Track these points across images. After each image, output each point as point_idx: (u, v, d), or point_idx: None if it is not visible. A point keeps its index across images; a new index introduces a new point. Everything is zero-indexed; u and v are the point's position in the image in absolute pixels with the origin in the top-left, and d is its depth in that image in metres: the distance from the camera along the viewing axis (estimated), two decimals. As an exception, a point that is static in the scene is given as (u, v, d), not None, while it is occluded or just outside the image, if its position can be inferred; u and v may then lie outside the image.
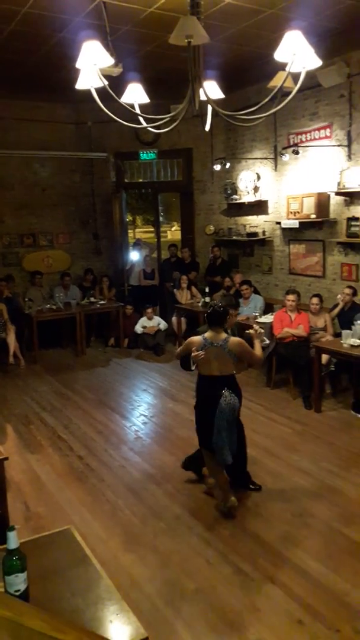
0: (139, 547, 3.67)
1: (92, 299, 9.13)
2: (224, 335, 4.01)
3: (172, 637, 2.86)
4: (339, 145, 7.24)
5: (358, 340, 5.78)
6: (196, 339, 4.06)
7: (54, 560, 2.21)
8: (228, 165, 8.91)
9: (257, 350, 4.15)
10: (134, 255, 10.26)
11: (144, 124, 3.36)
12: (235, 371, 4.04)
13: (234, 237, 9.39)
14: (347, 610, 3.00)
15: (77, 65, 2.74)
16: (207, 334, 4.02)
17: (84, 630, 1.74)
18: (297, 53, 2.71)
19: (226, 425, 3.85)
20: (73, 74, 2.93)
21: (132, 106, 3.27)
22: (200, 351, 3.92)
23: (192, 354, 3.94)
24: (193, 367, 4.20)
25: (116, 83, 3.50)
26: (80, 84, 2.92)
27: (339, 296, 6.94)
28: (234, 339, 3.99)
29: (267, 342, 4.38)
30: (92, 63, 2.69)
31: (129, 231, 14.10)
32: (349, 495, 4.25)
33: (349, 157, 7.12)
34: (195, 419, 4.11)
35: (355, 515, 3.96)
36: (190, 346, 4.03)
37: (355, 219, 6.99)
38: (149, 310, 8.86)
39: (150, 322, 8.84)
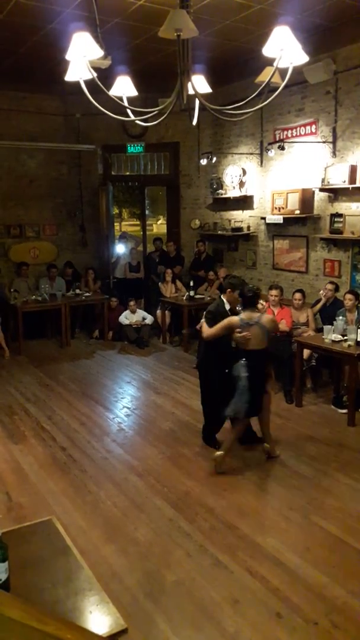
0: (119, 539, 3.69)
1: (78, 291, 9.09)
2: (257, 314, 4.60)
3: (151, 629, 2.89)
4: (324, 142, 7.28)
5: (339, 336, 5.86)
6: (235, 319, 4.60)
7: (35, 551, 2.22)
8: (214, 159, 8.91)
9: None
10: (120, 248, 10.23)
11: (132, 117, 3.35)
12: (262, 346, 4.57)
13: (219, 232, 9.41)
14: (324, 603, 3.06)
15: (67, 56, 2.71)
16: (243, 315, 4.60)
17: (64, 621, 1.75)
18: (284, 49, 2.72)
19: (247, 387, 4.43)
20: (62, 65, 2.91)
21: (121, 99, 3.25)
22: (246, 332, 4.47)
23: (239, 335, 4.49)
24: (234, 345, 4.67)
25: (105, 75, 3.48)
26: (70, 76, 2.90)
27: (321, 292, 7.01)
28: (267, 317, 4.70)
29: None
30: (82, 55, 2.67)
31: (115, 224, 14.05)
32: (327, 489, 4.31)
33: (334, 153, 7.17)
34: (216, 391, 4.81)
35: (334, 509, 4.02)
36: (233, 327, 4.55)
37: (338, 215, 7.04)
38: (132, 303, 8.86)
39: (133, 316, 8.83)
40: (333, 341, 5.82)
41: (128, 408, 6.16)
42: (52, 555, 2.19)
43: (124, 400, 6.41)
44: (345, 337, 5.79)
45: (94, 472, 4.63)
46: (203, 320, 5.02)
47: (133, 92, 3.40)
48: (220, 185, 9.35)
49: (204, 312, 5.05)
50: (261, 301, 4.84)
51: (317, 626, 2.89)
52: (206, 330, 4.81)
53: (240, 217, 9.14)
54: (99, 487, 4.39)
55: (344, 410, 5.80)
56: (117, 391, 6.73)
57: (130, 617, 2.88)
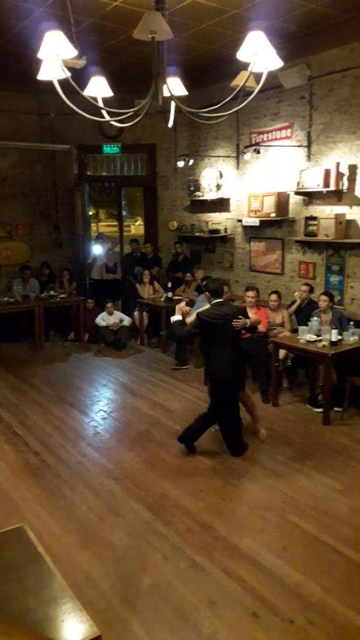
0: (95, 544, 3.66)
1: (52, 293, 9.00)
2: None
3: (126, 634, 2.87)
4: (299, 146, 7.37)
5: (314, 336, 5.93)
6: None
7: (5, 559, 2.18)
8: (191, 162, 8.93)
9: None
10: (97, 249, 10.16)
11: (107, 118, 3.33)
12: None
13: (197, 234, 9.43)
14: (300, 601, 3.08)
15: (39, 55, 2.68)
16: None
17: (31, 632, 1.72)
18: (259, 53, 2.74)
19: None
20: (36, 64, 2.87)
21: (96, 99, 3.23)
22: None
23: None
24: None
25: (80, 75, 3.46)
26: (43, 75, 2.87)
27: (296, 293, 7.09)
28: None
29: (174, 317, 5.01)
30: (55, 54, 2.65)
31: (92, 224, 13.94)
32: (303, 488, 4.35)
33: (309, 157, 7.25)
34: None
35: (310, 507, 4.06)
36: None
37: (312, 218, 7.12)
38: (109, 305, 8.81)
39: (110, 317, 8.78)
40: (308, 341, 5.88)
41: (104, 411, 6.12)
42: (23, 563, 2.15)
43: (100, 404, 6.36)
44: (320, 338, 5.86)
45: (69, 477, 4.58)
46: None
47: (108, 92, 3.38)
48: (198, 187, 9.37)
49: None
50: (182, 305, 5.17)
51: (293, 624, 2.91)
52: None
53: (217, 219, 9.18)
54: (74, 492, 4.34)
55: (319, 409, 5.86)
56: (93, 394, 6.68)
57: (105, 624, 2.85)
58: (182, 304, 5.03)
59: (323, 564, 3.41)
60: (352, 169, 6.64)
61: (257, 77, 2.91)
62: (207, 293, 5.05)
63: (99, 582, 3.27)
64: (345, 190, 6.73)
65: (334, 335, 5.71)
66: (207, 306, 4.89)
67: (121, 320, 8.84)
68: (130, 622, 2.94)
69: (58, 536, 3.73)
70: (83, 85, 3.14)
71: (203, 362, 5.16)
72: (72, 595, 1.98)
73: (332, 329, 5.73)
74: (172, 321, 5.01)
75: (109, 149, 9.70)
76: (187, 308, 5.00)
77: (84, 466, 4.79)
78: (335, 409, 5.82)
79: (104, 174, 10.19)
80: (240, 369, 5.04)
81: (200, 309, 4.93)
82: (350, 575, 3.30)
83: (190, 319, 5.10)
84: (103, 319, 8.75)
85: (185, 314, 5.06)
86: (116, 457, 4.96)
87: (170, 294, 8.45)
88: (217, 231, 8.98)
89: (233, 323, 4.69)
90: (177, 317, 4.98)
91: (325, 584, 3.21)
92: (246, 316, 4.85)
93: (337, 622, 2.91)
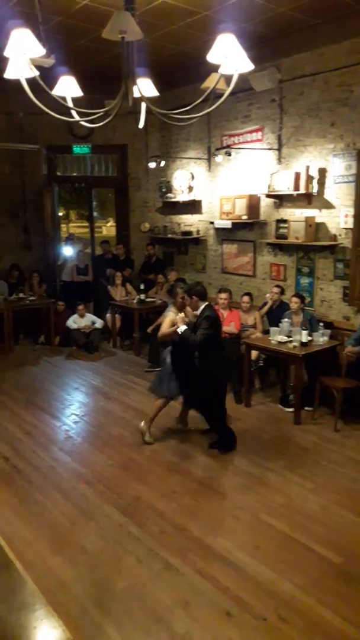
0: (67, 548, 3.61)
1: (22, 295, 8.86)
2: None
3: (100, 639, 2.84)
4: (269, 149, 7.45)
5: (285, 337, 6.00)
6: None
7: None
8: (163, 163, 8.94)
9: (163, 330, 5.13)
10: (67, 251, 10.05)
11: (77, 118, 3.30)
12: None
13: (169, 235, 9.43)
14: (272, 598, 3.11)
15: (5, 53, 2.64)
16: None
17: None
18: (229, 56, 2.75)
19: None
20: (3, 63, 2.83)
21: (64, 99, 3.20)
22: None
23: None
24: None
25: (48, 75, 3.42)
26: (9, 74, 2.82)
27: (267, 295, 7.16)
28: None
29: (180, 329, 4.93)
30: (22, 52, 2.61)
31: (63, 225, 13.80)
32: (275, 487, 4.39)
33: (279, 160, 7.34)
34: None
35: (282, 506, 4.10)
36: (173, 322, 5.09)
37: (283, 221, 7.20)
38: (80, 307, 8.73)
39: (82, 320, 8.71)
40: (279, 342, 5.95)
41: (76, 415, 6.05)
42: (-7, 570, 2.11)
43: (72, 407, 6.29)
44: (291, 339, 5.94)
45: (40, 482, 4.51)
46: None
47: (78, 92, 3.35)
48: (169, 189, 9.38)
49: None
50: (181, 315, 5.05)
51: (266, 622, 2.93)
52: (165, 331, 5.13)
53: (189, 221, 9.21)
54: (46, 497, 4.28)
55: (291, 409, 5.93)
56: (65, 398, 6.60)
57: (79, 628, 2.83)
58: (181, 314, 4.95)
59: (295, 561, 3.45)
60: (322, 172, 6.75)
61: (228, 79, 2.92)
62: (195, 297, 4.97)
63: (72, 586, 3.23)
64: (315, 194, 6.83)
65: (305, 336, 5.78)
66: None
67: (93, 323, 8.77)
68: (104, 626, 2.92)
69: (30, 542, 3.68)
70: (51, 85, 3.10)
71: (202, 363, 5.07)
72: (44, 602, 1.95)
73: (303, 330, 5.81)
74: (180, 332, 4.85)
75: (79, 149, 9.63)
76: (186, 318, 4.95)
77: (55, 471, 4.73)
78: (306, 408, 5.90)
79: (74, 174, 10.10)
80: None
81: (204, 313, 4.94)
82: (320, 572, 3.35)
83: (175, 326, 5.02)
84: (74, 322, 8.67)
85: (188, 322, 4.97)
86: (89, 460, 4.91)
87: (142, 296, 8.43)
88: (189, 233, 9.01)
89: None
90: (184, 327, 4.86)
91: (297, 581, 3.24)
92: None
93: (308, 618, 2.95)
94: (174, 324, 5.03)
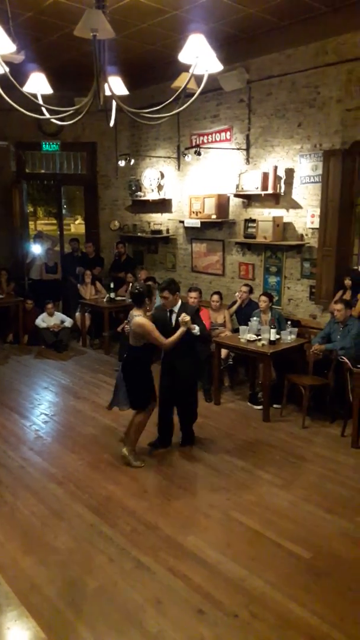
0: (39, 549, 3.58)
1: (-11, 293, 8.72)
2: (135, 313, 4.65)
3: (73, 638, 2.83)
4: (238, 149, 7.51)
5: (254, 336, 6.07)
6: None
7: None
8: (132, 161, 8.90)
9: (174, 337, 4.65)
10: (36, 248, 9.92)
11: (48, 115, 3.27)
12: (134, 344, 4.72)
13: (139, 234, 9.41)
14: (244, 595, 3.15)
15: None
16: (134, 310, 4.72)
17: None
18: (199, 56, 2.77)
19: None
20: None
21: (35, 96, 3.16)
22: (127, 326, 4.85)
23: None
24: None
25: (18, 71, 3.37)
26: (-22, 69, 2.77)
27: (237, 294, 7.23)
28: (136, 320, 4.58)
29: (197, 330, 4.73)
30: (-9, 48, 2.57)
31: (30, 223, 13.59)
32: (245, 484, 4.45)
33: (247, 160, 7.41)
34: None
35: (252, 504, 4.15)
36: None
37: (252, 220, 7.29)
38: (49, 305, 8.62)
39: (51, 319, 8.61)
40: (248, 341, 6.02)
41: (46, 414, 5.99)
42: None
43: (42, 407, 6.22)
44: (260, 337, 6.01)
45: (10, 482, 4.46)
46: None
47: (48, 89, 3.32)
48: (139, 187, 9.36)
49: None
50: (184, 315, 4.70)
51: (237, 618, 2.97)
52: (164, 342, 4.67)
53: (159, 220, 9.21)
54: (16, 497, 4.23)
55: (260, 407, 6.02)
56: (34, 397, 6.52)
57: (51, 629, 2.80)
58: (186, 316, 4.67)
59: (265, 558, 3.50)
60: (289, 172, 6.85)
61: (198, 79, 2.94)
62: (177, 293, 4.86)
63: (44, 587, 3.20)
64: (283, 194, 6.93)
65: (273, 335, 5.87)
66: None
67: (62, 322, 8.68)
68: (76, 626, 2.90)
69: (1, 543, 3.63)
70: (20, 81, 3.06)
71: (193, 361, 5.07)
72: (17, 603, 1.94)
73: (271, 328, 5.89)
74: (199, 333, 4.72)
75: (48, 146, 9.52)
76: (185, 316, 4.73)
77: (25, 470, 4.67)
78: (275, 406, 5.98)
79: (43, 171, 9.97)
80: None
81: (187, 308, 4.96)
82: (290, 568, 3.41)
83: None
84: (43, 320, 8.57)
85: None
86: (59, 460, 4.87)
87: (112, 295, 8.39)
88: (159, 232, 9.01)
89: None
90: (197, 327, 4.73)
91: (268, 578, 3.30)
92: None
93: (279, 614, 3.00)
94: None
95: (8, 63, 2.83)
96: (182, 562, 3.45)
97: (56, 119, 3.34)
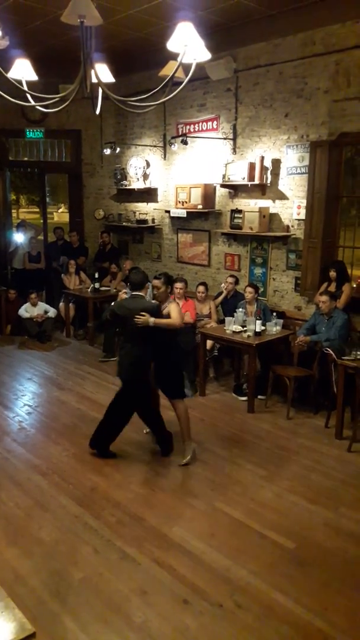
0: (23, 540, 3.57)
1: (-29, 283, 8.60)
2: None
3: (58, 629, 2.84)
4: (225, 138, 7.48)
5: (239, 327, 6.08)
6: None
7: None
8: (118, 150, 8.81)
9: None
10: (19, 237, 9.79)
11: (32, 102, 3.20)
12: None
13: (124, 223, 9.34)
14: (228, 585, 3.18)
15: None
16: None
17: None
18: (188, 44, 2.73)
19: None
20: None
21: (20, 83, 3.09)
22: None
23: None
24: None
25: (1, 57, 3.29)
26: None
27: (222, 285, 7.23)
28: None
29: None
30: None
31: (12, 211, 13.42)
32: (230, 475, 4.48)
33: (234, 150, 7.38)
34: None
35: (236, 494, 4.18)
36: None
37: (238, 211, 7.26)
38: (33, 295, 8.53)
39: (34, 309, 8.53)
40: (234, 332, 6.03)
41: (29, 406, 5.95)
42: None
43: (25, 398, 6.18)
44: (245, 328, 6.03)
45: (-6, 474, 4.43)
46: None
47: (33, 76, 3.25)
48: (124, 176, 9.28)
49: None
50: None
51: (222, 608, 3.00)
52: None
53: (144, 209, 9.14)
54: (0, 488, 4.21)
55: (244, 398, 6.05)
56: (17, 388, 6.47)
57: (36, 620, 2.80)
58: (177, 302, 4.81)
59: (250, 548, 3.53)
60: (276, 163, 6.84)
61: (185, 68, 2.90)
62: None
63: (28, 578, 3.20)
64: (269, 185, 6.92)
65: (258, 326, 5.89)
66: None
67: (46, 312, 8.61)
68: (61, 617, 2.91)
69: (-17, 536, 3.61)
70: (3, 68, 2.99)
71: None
72: (4, 594, 1.93)
73: (257, 319, 5.90)
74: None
75: (32, 133, 9.37)
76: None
77: (9, 462, 4.64)
78: (259, 397, 6.02)
79: (26, 159, 9.83)
80: (140, 369, 4.60)
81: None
82: (274, 558, 3.45)
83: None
84: (26, 310, 8.48)
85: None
86: (43, 452, 4.85)
87: (97, 285, 8.34)
88: (144, 221, 8.95)
89: (135, 319, 4.40)
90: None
91: (252, 568, 3.33)
92: (156, 315, 4.51)
93: (263, 603, 3.03)
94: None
95: (-8, 48, 2.76)
96: (167, 553, 3.46)
97: (41, 106, 3.28)
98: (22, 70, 3.18)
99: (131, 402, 4.68)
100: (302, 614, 2.95)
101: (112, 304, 4.88)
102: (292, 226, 6.76)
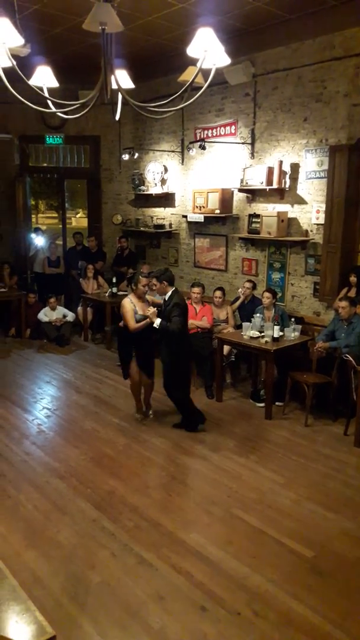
0: (42, 543, 3.59)
1: (-8, 287, 8.71)
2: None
3: (76, 633, 2.84)
4: (243, 143, 7.47)
5: (257, 332, 6.05)
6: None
7: None
8: (136, 155, 8.86)
9: (139, 324, 5.17)
10: (39, 241, 9.91)
11: (53, 109, 3.24)
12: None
13: (142, 228, 9.38)
14: (246, 593, 3.15)
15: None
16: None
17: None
18: (208, 50, 2.74)
19: None
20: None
21: (41, 89, 3.13)
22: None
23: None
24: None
25: (23, 64, 3.33)
26: (-14, 63, 2.75)
27: (240, 290, 7.20)
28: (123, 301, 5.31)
29: (156, 323, 5.12)
30: (1, 42, 2.54)
31: (32, 216, 13.58)
32: (247, 482, 4.44)
33: (252, 155, 7.37)
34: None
35: (254, 501, 4.15)
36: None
37: (256, 215, 7.24)
38: (52, 300, 8.61)
39: (53, 313, 8.60)
40: (251, 337, 5.99)
41: (48, 409, 5.99)
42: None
43: (44, 401, 6.22)
44: (263, 334, 5.99)
45: (13, 476, 4.46)
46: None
47: (54, 83, 3.29)
48: (142, 181, 9.32)
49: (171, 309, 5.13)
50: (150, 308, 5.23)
51: (239, 616, 2.97)
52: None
53: (162, 214, 9.17)
54: (19, 491, 4.24)
55: (262, 404, 6.00)
56: (36, 392, 6.52)
57: (55, 623, 2.78)
58: (153, 309, 5.13)
59: (267, 556, 3.50)
60: (295, 167, 6.81)
61: (204, 73, 2.91)
62: (165, 282, 5.18)
63: (47, 581, 3.21)
64: (288, 189, 6.89)
65: (276, 332, 5.84)
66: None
67: (64, 316, 8.67)
68: (79, 620, 2.91)
69: (4, 536, 3.64)
70: (25, 75, 3.03)
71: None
72: (25, 597, 1.94)
73: (274, 325, 5.86)
74: (158, 326, 5.04)
75: (52, 139, 9.48)
76: (154, 309, 5.17)
77: (28, 465, 4.68)
78: (277, 403, 5.97)
79: (46, 165, 9.94)
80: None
81: (172, 299, 5.16)
82: (292, 566, 3.41)
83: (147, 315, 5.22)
84: (45, 314, 8.56)
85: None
86: (61, 455, 4.87)
87: (115, 289, 8.37)
88: (162, 226, 8.97)
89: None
90: (159, 320, 5.05)
91: (270, 576, 3.30)
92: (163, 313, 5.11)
93: (281, 612, 3.00)
94: (136, 313, 5.25)
95: (14, 56, 2.79)
96: (184, 559, 3.45)
97: (61, 112, 3.32)
98: (44, 77, 3.22)
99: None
100: (320, 624, 2.91)
101: (176, 305, 5.11)
102: (311, 231, 6.72)
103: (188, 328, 5.63)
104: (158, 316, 5.13)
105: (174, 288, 5.26)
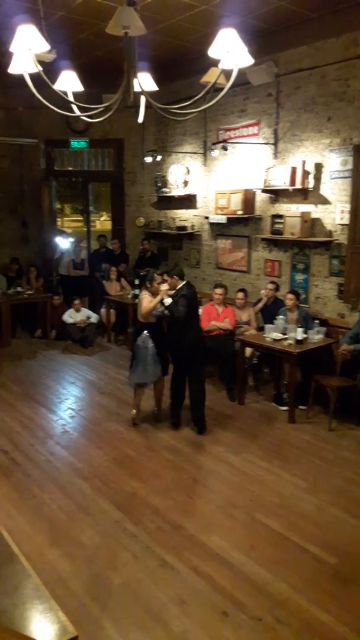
0: (65, 543, 3.62)
1: (19, 289, 8.83)
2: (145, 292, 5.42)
3: (98, 633, 2.86)
4: (265, 143, 7.42)
5: (280, 335, 5.99)
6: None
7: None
8: (159, 157, 8.89)
9: (150, 305, 5.28)
10: (64, 244, 10.03)
11: (78, 113, 3.27)
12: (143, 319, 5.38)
13: (164, 230, 9.40)
14: (268, 599, 3.12)
15: (11, 49, 2.61)
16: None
17: (9, 631, 1.70)
18: (230, 50, 2.73)
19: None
20: (3, 58, 2.79)
21: (66, 94, 3.17)
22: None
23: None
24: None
25: (48, 69, 3.37)
26: (13, 69, 2.79)
27: (262, 291, 7.15)
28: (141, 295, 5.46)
29: (167, 301, 5.26)
30: (27, 48, 2.58)
31: (57, 219, 13.75)
32: (270, 486, 4.41)
33: (275, 155, 7.32)
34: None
35: (276, 506, 4.11)
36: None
37: (279, 216, 7.18)
38: (76, 301, 8.70)
39: (77, 314, 8.68)
40: (274, 339, 5.94)
41: (72, 409, 6.04)
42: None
43: (68, 402, 6.28)
44: (286, 336, 5.93)
45: (38, 476, 4.52)
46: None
47: (79, 87, 3.32)
48: (165, 183, 9.34)
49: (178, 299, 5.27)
50: (164, 286, 5.33)
51: (261, 622, 2.95)
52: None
53: (184, 216, 9.18)
54: (43, 490, 4.29)
55: (285, 407, 5.94)
56: (61, 392, 6.59)
57: (77, 622, 2.79)
58: (165, 286, 5.27)
59: (290, 562, 3.46)
60: (318, 167, 6.74)
61: (227, 74, 2.90)
62: (175, 277, 5.36)
63: (69, 581, 3.24)
64: (311, 189, 6.82)
65: (300, 334, 5.78)
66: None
67: (88, 317, 8.74)
68: (101, 621, 2.93)
69: (29, 535, 3.68)
70: (50, 79, 3.07)
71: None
72: (48, 596, 1.96)
73: (298, 327, 5.80)
74: (167, 304, 5.20)
75: (77, 143, 9.58)
76: (170, 291, 5.31)
77: (53, 465, 4.73)
78: (300, 407, 5.90)
79: (71, 168, 10.05)
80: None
81: (180, 291, 5.31)
82: (315, 572, 3.37)
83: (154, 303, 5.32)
84: (70, 316, 8.65)
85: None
86: (85, 455, 4.91)
87: (137, 291, 8.39)
88: (184, 228, 8.98)
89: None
90: (169, 300, 5.20)
91: (292, 582, 3.26)
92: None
93: (303, 619, 2.96)
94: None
95: (40, 62, 2.83)
96: (206, 563, 3.44)
97: (86, 116, 3.34)
98: (68, 82, 3.25)
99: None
100: (343, 632, 2.87)
101: (182, 296, 5.25)
102: (335, 231, 6.64)
103: (199, 320, 5.77)
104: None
105: (184, 282, 5.39)
